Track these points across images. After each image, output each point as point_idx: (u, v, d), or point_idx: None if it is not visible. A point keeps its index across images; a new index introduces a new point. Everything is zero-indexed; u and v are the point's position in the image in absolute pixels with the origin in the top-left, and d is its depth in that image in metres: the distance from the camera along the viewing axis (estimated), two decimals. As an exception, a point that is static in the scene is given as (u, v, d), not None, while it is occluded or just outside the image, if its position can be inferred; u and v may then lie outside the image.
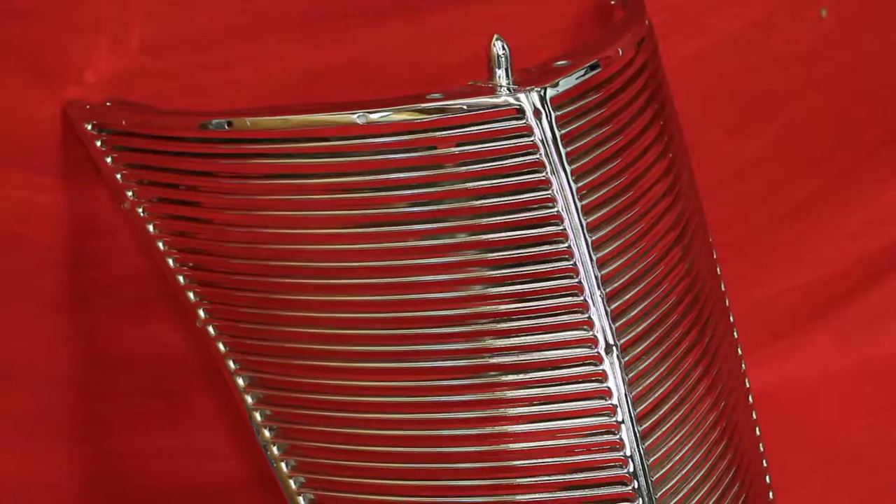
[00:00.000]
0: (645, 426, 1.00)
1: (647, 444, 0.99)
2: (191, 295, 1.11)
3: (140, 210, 1.12)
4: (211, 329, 1.11)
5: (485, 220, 0.98)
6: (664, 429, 1.01)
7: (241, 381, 1.10)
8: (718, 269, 1.19)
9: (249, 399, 1.10)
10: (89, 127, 1.13)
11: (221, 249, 1.08)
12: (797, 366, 1.88)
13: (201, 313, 1.11)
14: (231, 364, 1.11)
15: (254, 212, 1.04)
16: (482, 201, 0.97)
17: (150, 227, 1.12)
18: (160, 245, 1.12)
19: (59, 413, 1.38)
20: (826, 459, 1.84)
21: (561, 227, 0.97)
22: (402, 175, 0.98)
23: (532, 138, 0.96)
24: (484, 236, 0.98)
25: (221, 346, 1.11)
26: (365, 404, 1.04)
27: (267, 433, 1.10)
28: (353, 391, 1.04)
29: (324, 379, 1.05)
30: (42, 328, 1.28)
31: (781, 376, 1.84)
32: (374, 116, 0.97)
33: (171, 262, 1.11)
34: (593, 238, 0.98)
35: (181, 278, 1.11)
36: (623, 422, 0.98)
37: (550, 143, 0.96)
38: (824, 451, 1.85)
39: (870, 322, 1.92)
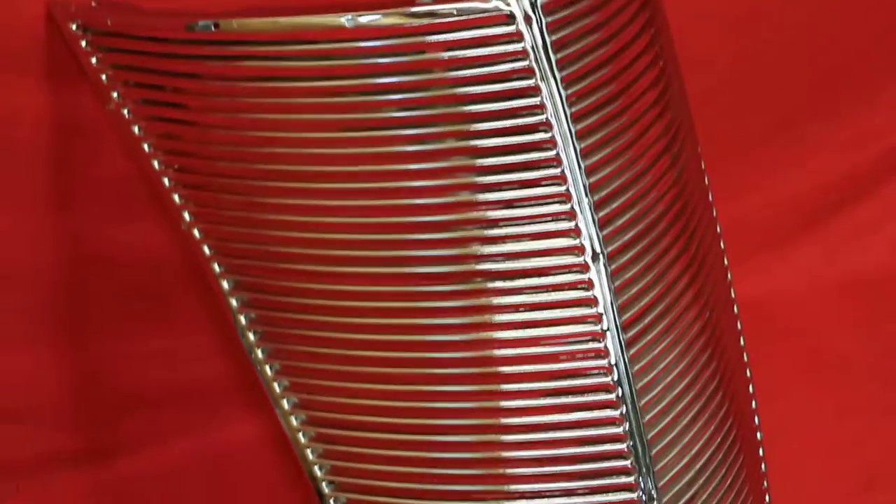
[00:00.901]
0: (630, 334, 1.00)
1: (631, 352, 1.00)
2: (176, 197, 1.10)
3: (125, 111, 1.11)
4: (196, 232, 1.11)
5: (473, 127, 0.97)
6: (649, 337, 1.02)
7: (225, 285, 1.10)
8: (706, 180, 1.19)
9: (234, 302, 1.10)
10: (74, 27, 1.11)
11: (207, 152, 1.07)
12: (783, 276, 1.88)
13: (186, 216, 1.11)
14: (216, 267, 1.10)
15: (240, 114, 1.04)
16: (471, 107, 0.96)
17: (136, 129, 1.11)
18: (145, 147, 1.11)
19: (43, 314, 1.38)
20: (810, 369, 1.85)
21: (549, 135, 0.96)
22: (390, 80, 0.97)
23: (522, 44, 0.95)
24: (472, 142, 0.97)
25: (206, 249, 1.10)
26: (350, 309, 1.04)
27: (252, 336, 1.10)
28: (338, 296, 1.04)
29: (309, 283, 1.05)
30: (27, 229, 1.28)
31: (768, 287, 1.84)
32: (363, 20, 0.96)
33: (156, 164, 1.11)
34: (582, 146, 0.97)
35: (166, 180, 1.10)
36: (608, 330, 0.99)
37: (540, 49, 0.95)
38: (808, 361, 1.86)
39: (856, 234, 1.93)
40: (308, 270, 1.05)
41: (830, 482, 1.75)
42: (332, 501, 1.10)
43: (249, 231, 1.07)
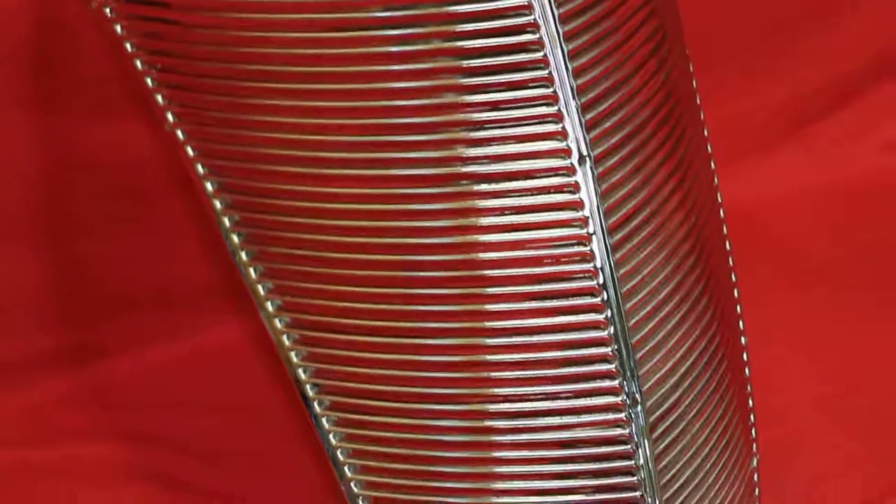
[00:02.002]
0: (616, 238, 0.99)
1: (617, 256, 0.99)
2: (159, 98, 1.09)
3: (107, 10, 1.09)
4: (179, 133, 1.10)
5: (459, 28, 0.96)
6: (635, 241, 1.01)
7: (209, 186, 1.09)
8: (694, 83, 1.18)
9: (218, 204, 1.09)
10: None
11: (191, 52, 1.06)
12: (768, 181, 1.88)
13: (170, 117, 1.09)
14: (200, 168, 1.09)
15: (224, 14, 1.02)
16: (457, 7, 0.95)
17: (118, 28, 1.09)
18: (128, 46, 1.09)
19: (26, 215, 1.37)
20: (792, 273, 1.86)
21: (537, 36, 0.95)
22: (375, -22, 0.95)
23: (510, -57, 0.93)
24: (458, 44, 0.96)
25: (190, 151, 1.09)
26: (334, 211, 1.04)
27: (235, 238, 1.10)
28: (322, 198, 1.04)
29: (293, 185, 1.04)
30: (8, 130, 1.27)
31: (753, 191, 1.84)
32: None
33: (138, 63, 1.09)
34: (569, 48, 0.96)
35: (149, 81, 1.09)
36: (594, 233, 0.98)
37: (529, -52, 0.94)
38: (791, 266, 1.87)
39: (841, 140, 1.93)
40: (292, 172, 1.04)
41: (813, 387, 1.76)
42: (316, 404, 1.11)
43: (233, 132, 1.06)
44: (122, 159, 1.35)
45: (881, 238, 1.89)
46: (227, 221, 1.10)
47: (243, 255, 1.10)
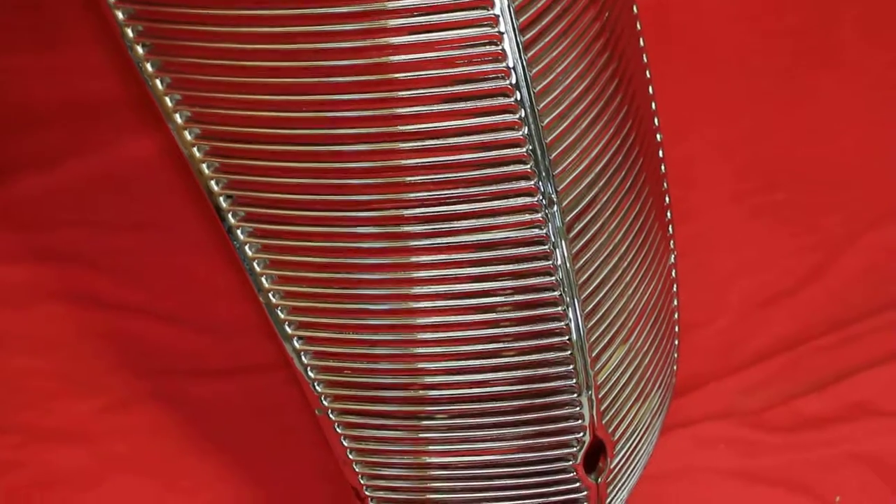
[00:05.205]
0: (527, 37, 0.98)
1: (529, 54, 0.98)
2: None
3: None
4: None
5: None
6: (547, 39, 1.00)
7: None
8: None
9: (120, 14, 1.05)
10: None
11: None
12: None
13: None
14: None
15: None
16: None
17: None
18: None
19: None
20: (707, 66, 1.85)
21: None
22: None
23: None
24: None
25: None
26: (242, 17, 1.00)
27: (140, 50, 1.06)
28: (227, 3, 1.00)
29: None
30: None
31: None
32: None
33: None
34: None
35: None
36: (505, 32, 0.96)
37: None
38: (704, 58, 1.86)
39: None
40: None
41: (731, 182, 1.78)
42: (230, 216, 1.09)
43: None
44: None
45: (793, 27, 1.89)
46: (130, 32, 1.06)
47: (149, 67, 1.06)
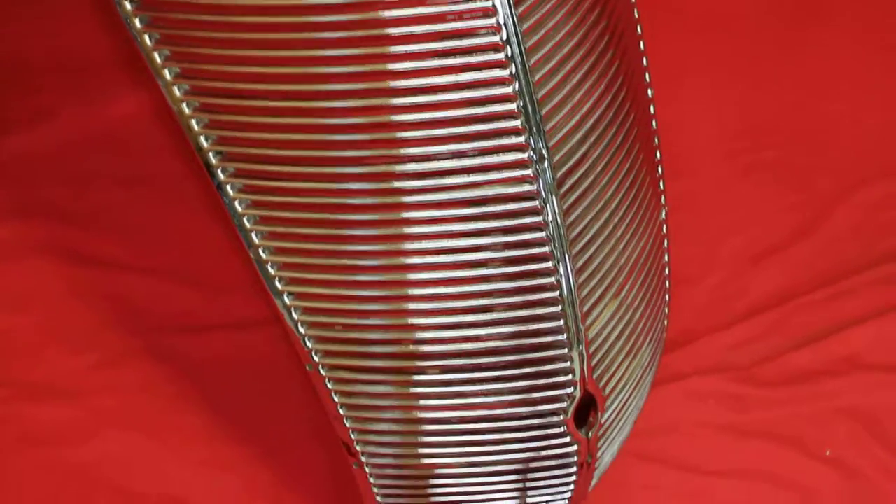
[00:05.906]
0: None
1: (520, 9, 0.97)
2: None
3: None
4: None
5: None
6: None
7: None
8: None
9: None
10: None
11: None
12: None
13: None
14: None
15: None
16: None
17: None
18: None
19: None
20: (699, 29, 1.85)
21: None
22: None
23: None
24: None
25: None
26: None
27: (128, 6, 1.05)
28: None
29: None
30: None
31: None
32: None
33: None
34: None
35: None
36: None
37: None
38: (697, 21, 1.86)
39: None
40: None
41: (719, 143, 1.78)
42: (219, 171, 1.09)
43: None
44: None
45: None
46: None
47: (137, 23, 1.06)
